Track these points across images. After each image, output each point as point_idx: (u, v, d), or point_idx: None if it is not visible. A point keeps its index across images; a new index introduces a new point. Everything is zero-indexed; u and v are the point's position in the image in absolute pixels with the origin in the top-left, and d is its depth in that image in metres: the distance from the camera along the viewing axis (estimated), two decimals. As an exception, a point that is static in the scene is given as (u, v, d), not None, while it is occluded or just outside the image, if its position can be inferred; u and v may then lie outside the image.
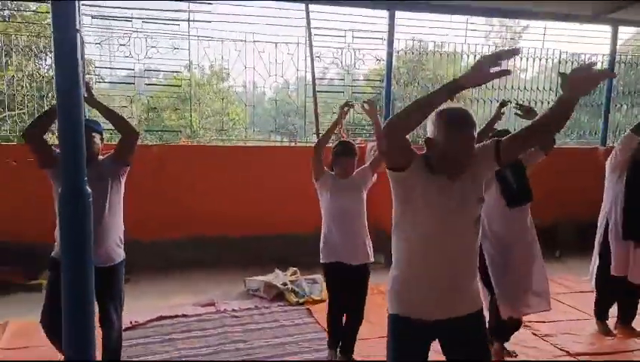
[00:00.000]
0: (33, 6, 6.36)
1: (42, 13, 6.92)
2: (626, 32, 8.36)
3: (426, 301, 1.90)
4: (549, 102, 6.35)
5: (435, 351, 2.01)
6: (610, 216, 3.74)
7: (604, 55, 6.87)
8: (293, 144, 7.45)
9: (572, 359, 3.50)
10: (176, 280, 4.99)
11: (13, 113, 6.08)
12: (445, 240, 1.86)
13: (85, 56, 5.35)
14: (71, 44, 2.09)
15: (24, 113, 5.70)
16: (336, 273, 3.19)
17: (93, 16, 5.35)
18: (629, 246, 3.66)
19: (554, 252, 5.99)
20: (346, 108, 3.30)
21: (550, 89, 6.82)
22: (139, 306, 4.03)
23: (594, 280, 3.90)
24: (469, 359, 1.96)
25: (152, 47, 5.50)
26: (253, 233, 5.49)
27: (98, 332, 2.57)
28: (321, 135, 3.45)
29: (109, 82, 7.18)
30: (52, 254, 2.79)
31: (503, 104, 3.39)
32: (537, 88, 6.84)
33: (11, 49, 5.44)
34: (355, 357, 3.27)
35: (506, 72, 1.66)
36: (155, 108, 8.60)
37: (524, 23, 11.82)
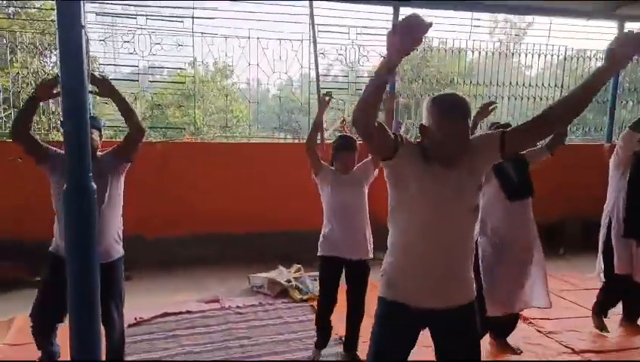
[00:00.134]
0: (38, 3, 6.38)
1: (47, 10, 6.93)
2: (631, 28, 8.27)
3: (421, 288, 1.90)
4: (554, 99, 6.31)
5: (419, 342, 1.99)
6: (612, 213, 3.72)
7: (609, 51, 6.83)
8: (296, 141, 7.42)
9: (577, 356, 3.49)
10: (180, 277, 5.00)
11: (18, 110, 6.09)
12: (441, 229, 1.85)
13: (90, 53, 5.37)
14: (76, 42, 2.08)
15: (29, 110, 5.70)
16: (331, 267, 3.17)
17: (97, 14, 5.36)
18: (631, 244, 3.64)
19: (558, 249, 5.98)
20: (327, 98, 3.32)
21: (555, 85, 6.77)
22: (143, 303, 4.05)
23: (602, 276, 3.85)
24: (459, 349, 1.95)
25: (156, 44, 5.50)
26: (257, 230, 5.50)
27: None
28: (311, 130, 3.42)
29: (113, 79, 7.07)
30: (50, 249, 2.80)
31: (490, 104, 3.31)
32: (542, 85, 6.79)
33: (16, 46, 5.45)
34: (360, 355, 3.21)
35: (424, 27, 1.52)
36: (159, 105, 8.63)
37: (529, 19, 11.80)
